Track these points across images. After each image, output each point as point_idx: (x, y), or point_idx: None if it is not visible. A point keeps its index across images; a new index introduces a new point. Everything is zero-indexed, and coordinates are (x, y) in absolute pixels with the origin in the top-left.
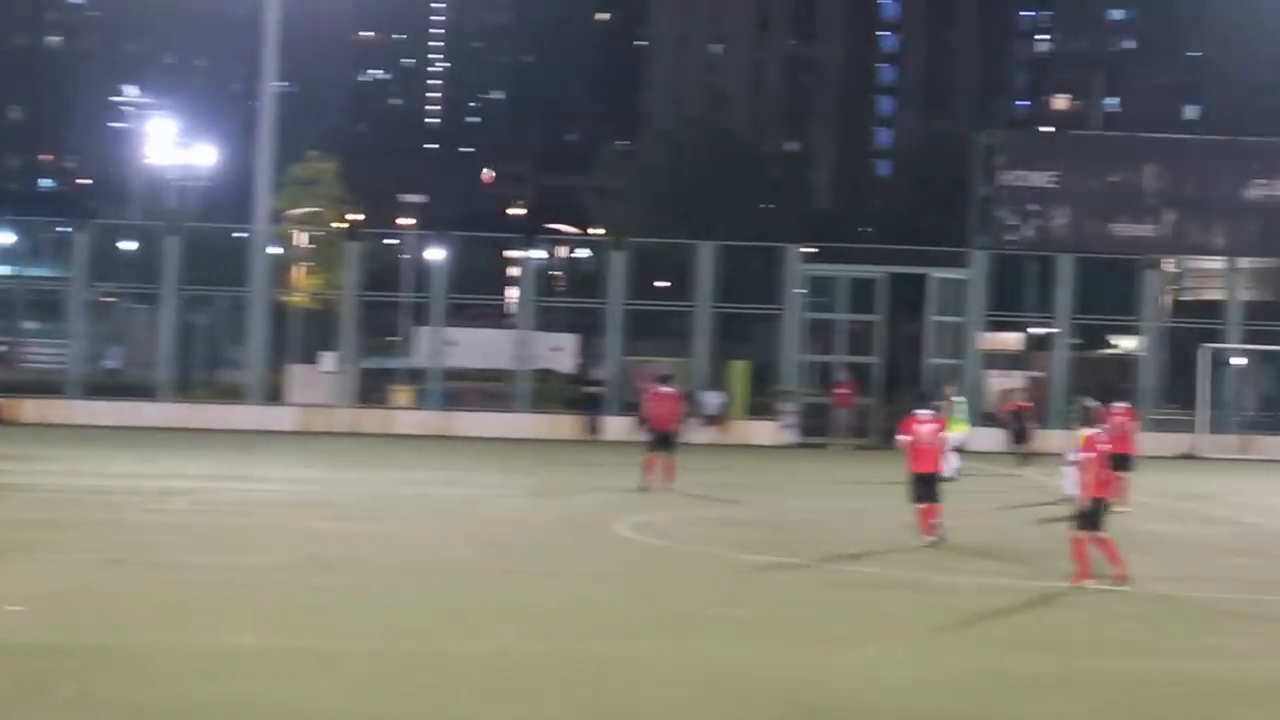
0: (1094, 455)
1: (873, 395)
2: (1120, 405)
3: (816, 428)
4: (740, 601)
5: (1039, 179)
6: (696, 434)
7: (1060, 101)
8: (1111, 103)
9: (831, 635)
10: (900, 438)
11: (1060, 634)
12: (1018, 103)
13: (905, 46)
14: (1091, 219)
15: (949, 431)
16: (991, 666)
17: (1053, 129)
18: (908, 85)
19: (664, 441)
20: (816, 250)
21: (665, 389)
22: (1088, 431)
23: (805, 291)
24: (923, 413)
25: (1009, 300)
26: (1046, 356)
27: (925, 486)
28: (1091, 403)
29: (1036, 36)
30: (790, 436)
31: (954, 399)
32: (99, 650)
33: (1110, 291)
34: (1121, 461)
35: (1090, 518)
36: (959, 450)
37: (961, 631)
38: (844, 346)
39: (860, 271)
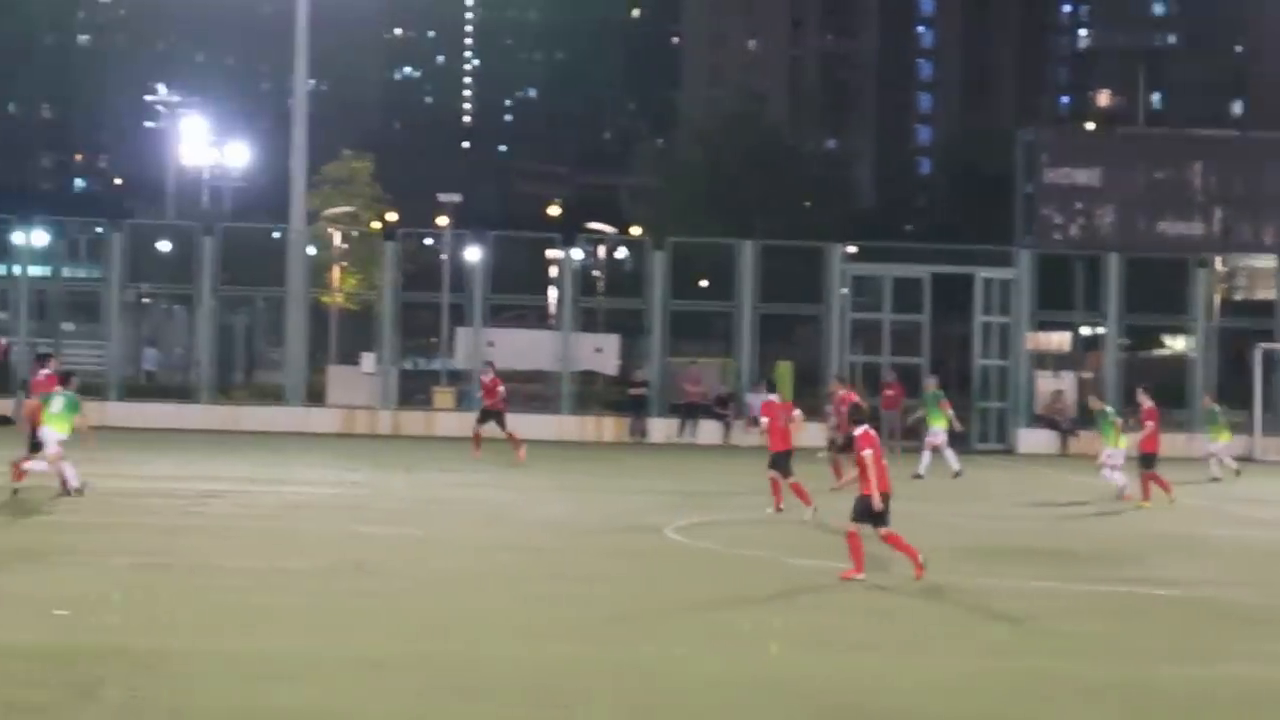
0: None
1: (920, 396)
2: (1147, 404)
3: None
4: (786, 606)
5: (1084, 177)
6: (741, 436)
7: (1103, 97)
8: (1155, 99)
9: (875, 640)
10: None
11: (1104, 639)
12: (1059, 99)
13: (943, 42)
14: (1138, 217)
15: (935, 426)
16: (1035, 672)
17: (1095, 125)
18: (947, 81)
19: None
20: (859, 249)
21: (773, 397)
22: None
23: (849, 291)
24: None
25: (1057, 300)
26: (1096, 357)
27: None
28: (1145, 400)
29: (1077, 31)
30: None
31: (934, 391)
32: (144, 654)
33: (1160, 291)
34: (1147, 460)
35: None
36: (936, 448)
37: (1004, 636)
38: (889, 347)
39: (904, 271)
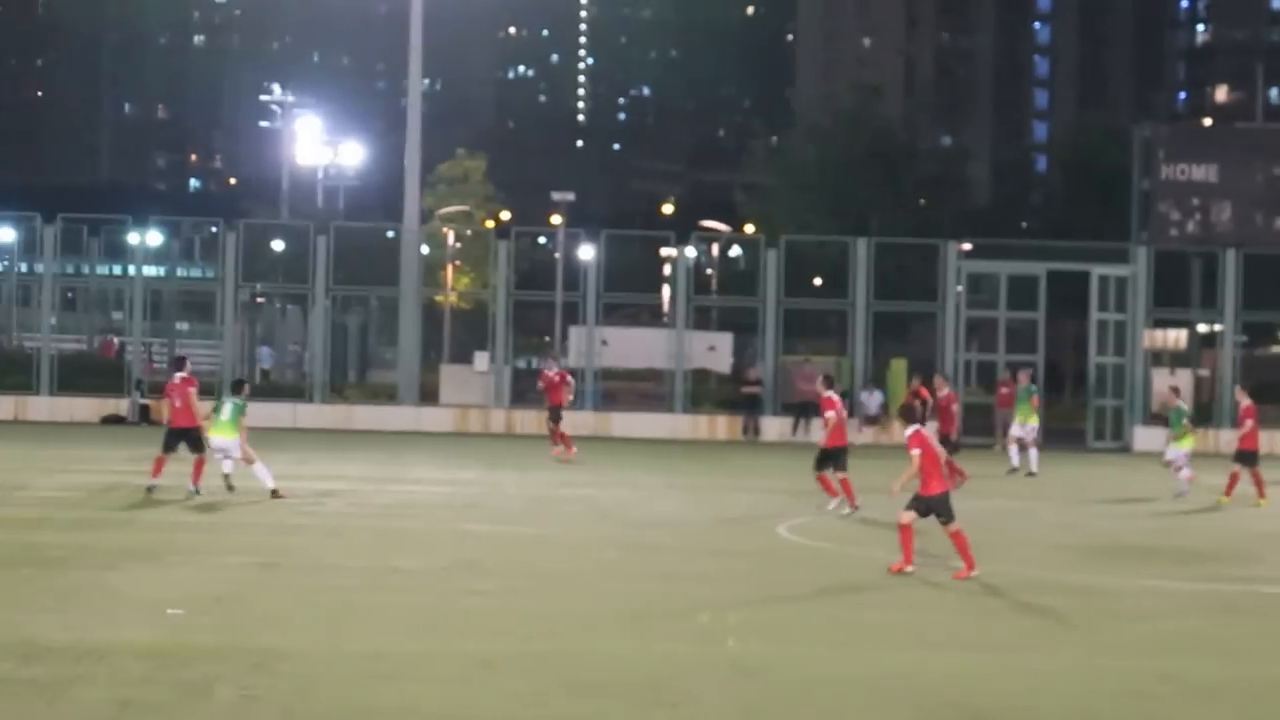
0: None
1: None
2: (1245, 402)
3: (979, 427)
4: (902, 604)
5: (1201, 172)
6: (855, 435)
7: (1220, 93)
8: (1273, 94)
9: (994, 639)
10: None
11: (1228, 639)
12: (1176, 95)
13: (1059, 38)
14: (1256, 212)
15: (1029, 422)
16: (1145, 671)
17: (1213, 121)
18: (1063, 78)
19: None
20: (974, 246)
21: (832, 393)
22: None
23: (963, 288)
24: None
25: (1173, 296)
26: (1213, 354)
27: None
28: (1244, 398)
29: (1195, 26)
30: (952, 437)
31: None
32: (257, 653)
33: (1278, 287)
34: (1246, 457)
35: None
36: (1030, 443)
37: (1126, 636)
38: (1004, 344)
39: (1020, 268)
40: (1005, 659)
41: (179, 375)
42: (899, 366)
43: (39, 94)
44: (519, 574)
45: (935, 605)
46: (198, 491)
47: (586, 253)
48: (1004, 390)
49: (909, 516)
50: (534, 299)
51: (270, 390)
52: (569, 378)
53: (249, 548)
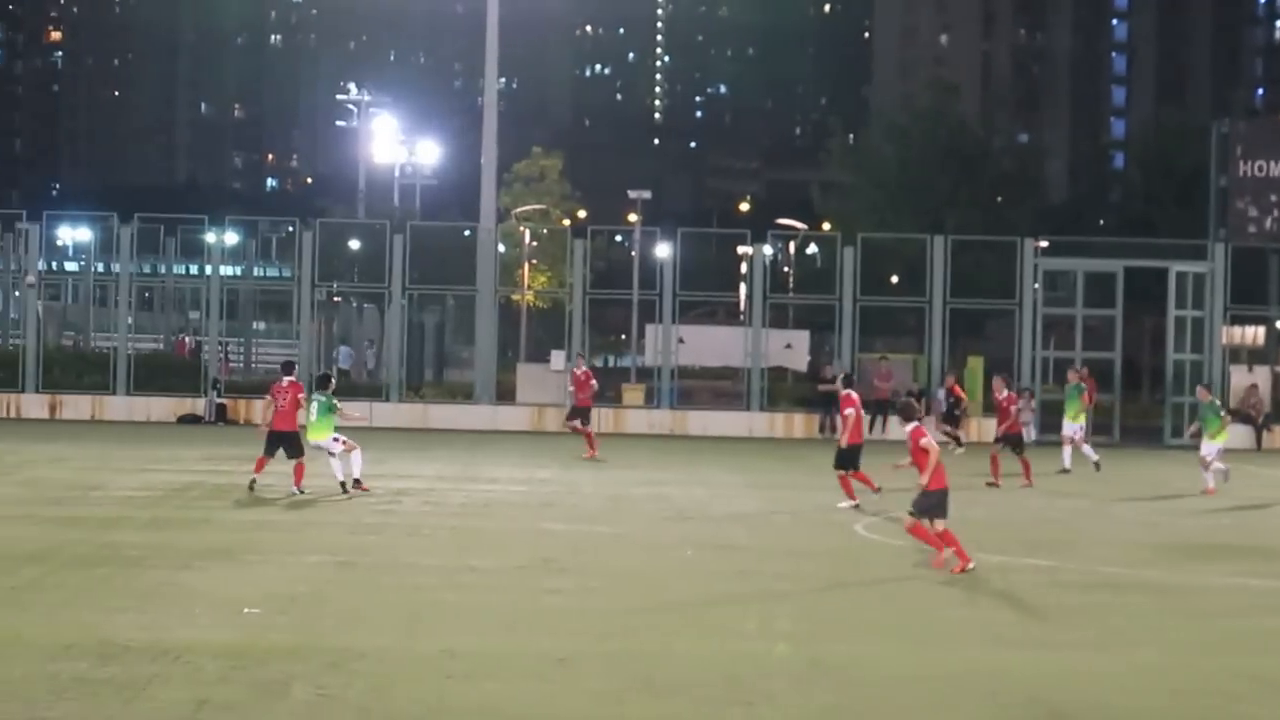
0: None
1: (1113, 391)
2: None
3: (1055, 425)
4: (980, 602)
5: (1279, 169)
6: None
7: None
8: None
9: (1074, 637)
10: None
11: None
12: (1255, 91)
13: (1137, 35)
14: None
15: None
16: (1224, 669)
17: None
18: (1140, 75)
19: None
20: (1051, 244)
21: (850, 391)
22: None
23: (1040, 286)
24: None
25: (1251, 293)
26: None
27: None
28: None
29: (1274, 23)
30: (1029, 434)
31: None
32: (334, 653)
33: None
34: None
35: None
36: (1072, 441)
37: (1205, 634)
38: (1081, 342)
39: (1097, 265)
40: (1083, 657)
41: (287, 379)
42: (976, 364)
43: (116, 94)
44: (595, 573)
45: (1012, 603)
46: (301, 492)
47: (663, 251)
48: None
49: (941, 524)
50: (610, 297)
51: (347, 390)
52: (593, 378)
53: (326, 547)
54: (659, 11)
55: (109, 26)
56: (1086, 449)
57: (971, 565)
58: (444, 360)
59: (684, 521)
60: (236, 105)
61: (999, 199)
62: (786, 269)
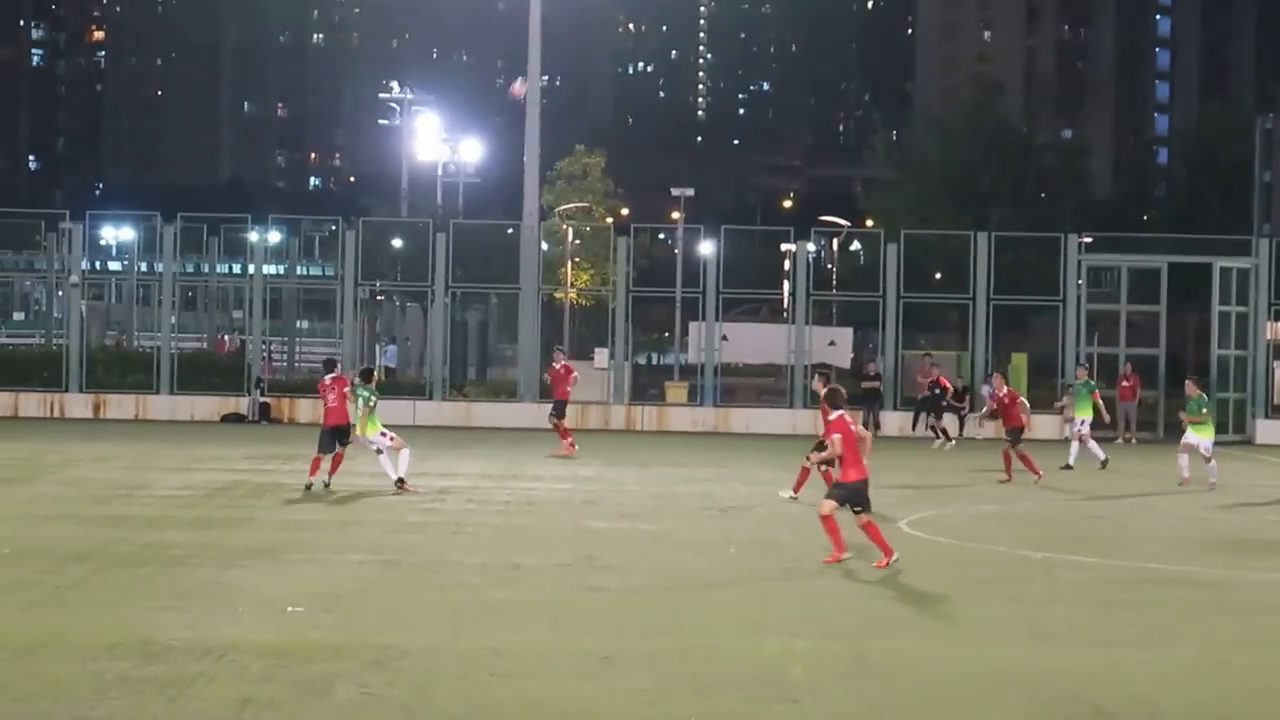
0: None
1: (1157, 388)
2: None
3: (1100, 421)
4: (1025, 599)
5: None
6: (977, 429)
7: None
8: None
9: (1118, 634)
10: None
11: None
12: None
13: (1181, 30)
14: None
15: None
16: (1273, 665)
17: None
18: (1184, 70)
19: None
20: (1095, 240)
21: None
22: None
23: (1084, 282)
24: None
25: None
26: None
27: None
28: None
29: None
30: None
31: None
32: (378, 651)
33: None
34: None
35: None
36: (1082, 438)
37: (1249, 630)
38: (1125, 338)
39: (1141, 261)
40: (1126, 653)
41: (329, 376)
42: (1020, 361)
43: (159, 94)
44: (639, 571)
45: (1054, 599)
46: (327, 484)
47: (706, 248)
48: (1125, 384)
49: (829, 506)
50: (654, 295)
51: (391, 387)
52: (573, 372)
53: (370, 545)
54: (701, 9)
55: (151, 26)
56: (1075, 448)
57: (845, 556)
58: (487, 358)
59: (728, 519)
60: (279, 104)
61: (1042, 195)
62: (830, 266)
